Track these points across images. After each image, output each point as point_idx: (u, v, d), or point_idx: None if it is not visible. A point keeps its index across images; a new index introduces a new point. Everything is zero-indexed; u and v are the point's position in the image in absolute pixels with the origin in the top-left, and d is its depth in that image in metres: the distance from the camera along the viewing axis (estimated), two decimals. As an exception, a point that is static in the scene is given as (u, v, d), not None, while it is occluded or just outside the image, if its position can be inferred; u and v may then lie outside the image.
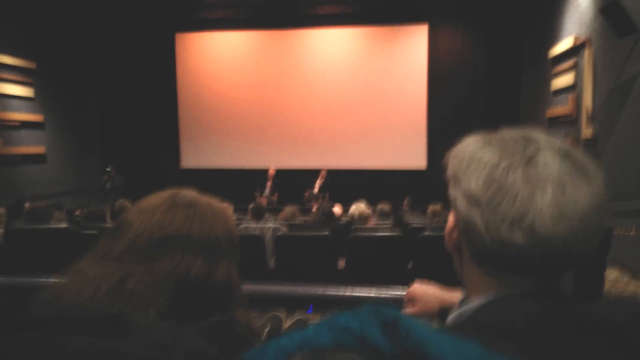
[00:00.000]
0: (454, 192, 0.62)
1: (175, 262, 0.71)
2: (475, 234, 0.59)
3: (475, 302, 0.62)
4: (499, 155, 0.59)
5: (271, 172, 10.07)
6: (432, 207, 5.31)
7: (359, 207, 4.97)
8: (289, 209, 5.24)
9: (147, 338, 0.58)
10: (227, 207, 0.89)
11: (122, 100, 11.23)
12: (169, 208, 0.77)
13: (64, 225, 4.07)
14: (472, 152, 0.62)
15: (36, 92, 8.91)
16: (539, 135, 0.62)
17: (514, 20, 9.58)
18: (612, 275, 4.90)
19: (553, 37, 7.76)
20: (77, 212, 6.87)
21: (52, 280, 0.73)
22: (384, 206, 5.76)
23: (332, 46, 10.79)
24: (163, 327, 0.61)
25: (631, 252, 5.13)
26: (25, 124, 8.64)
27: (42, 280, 1.62)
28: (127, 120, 11.28)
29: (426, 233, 3.86)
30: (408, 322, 0.50)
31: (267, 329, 1.48)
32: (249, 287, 0.86)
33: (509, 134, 0.63)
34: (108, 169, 9.58)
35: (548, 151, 0.59)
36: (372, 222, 5.06)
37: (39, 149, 8.96)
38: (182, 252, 0.72)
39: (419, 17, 10.41)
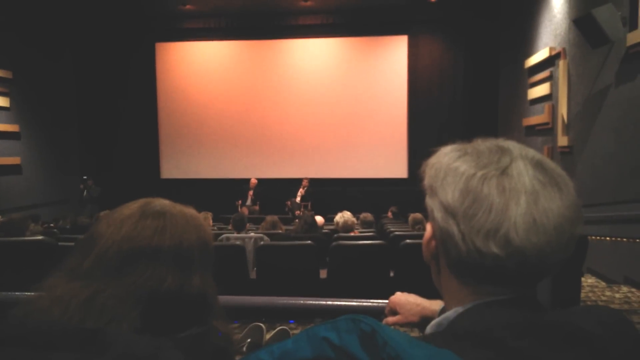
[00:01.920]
0: (431, 203, 0.62)
1: (146, 275, 0.69)
2: (452, 245, 0.59)
3: (452, 311, 0.62)
4: (475, 166, 0.59)
5: (253, 181, 10.03)
6: (413, 215, 5.35)
7: (344, 215, 4.94)
8: (270, 219, 5.21)
9: (125, 352, 0.57)
10: (204, 216, 0.87)
11: (102, 110, 11.07)
12: (138, 219, 0.74)
13: (39, 237, 3.97)
14: (448, 162, 0.62)
15: (12, 102, 8.71)
16: (513, 145, 0.62)
17: (491, 32, 9.77)
18: (588, 282, 4.98)
19: (529, 48, 7.94)
20: (52, 225, 6.74)
21: (26, 295, 0.71)
22: (366, 215, 5.79)
23: (313, 57, 10.84)
24: (141, 341, 0.59)
25: (607, 259, 5.22)
26: (0, 134, 8.44)
27: (17, 294, 1.58)
28: (107, 131, 11.12)
29: (407, 241, 3.88)
30: (386, 332, 0.50)
31: (248, 340, 1.46)
32: (226, 299, 0.84)
33: (483, 144, 0.63)
34: (85, 177, 9.45)
35: (521, 161, 0.59)
36: (355, 231, 5.06)
37: (14, 160, 8.74)
38: (154, 264, 0.70)
39: (399, 28, 10.55)
